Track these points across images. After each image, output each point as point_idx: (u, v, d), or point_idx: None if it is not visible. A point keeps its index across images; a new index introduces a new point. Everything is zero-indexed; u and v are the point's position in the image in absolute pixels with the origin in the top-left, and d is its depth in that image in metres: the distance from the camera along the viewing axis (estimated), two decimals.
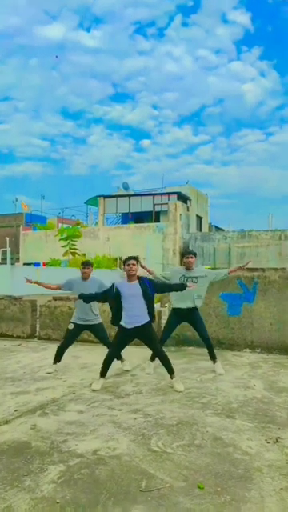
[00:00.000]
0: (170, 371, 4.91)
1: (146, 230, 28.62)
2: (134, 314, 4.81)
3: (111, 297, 4.88)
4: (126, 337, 4.98)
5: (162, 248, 28.05)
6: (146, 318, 4.85)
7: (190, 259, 5.71)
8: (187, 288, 5.19)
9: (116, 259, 27.11)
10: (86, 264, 5.85)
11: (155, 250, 27.41)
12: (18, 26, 77.40)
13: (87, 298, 5.14)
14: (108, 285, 5.29)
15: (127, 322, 4.81)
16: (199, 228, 33.40)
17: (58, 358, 5.73)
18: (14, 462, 3.00)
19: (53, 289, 5.88)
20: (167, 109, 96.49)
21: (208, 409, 4.17)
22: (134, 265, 4.85)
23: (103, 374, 4.96)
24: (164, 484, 2.71)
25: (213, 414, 4.01)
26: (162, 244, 28.08)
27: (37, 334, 8.99)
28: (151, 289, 4.90)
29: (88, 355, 6.12)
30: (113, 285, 4.94)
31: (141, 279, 4.92)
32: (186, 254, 5.85)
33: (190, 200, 31.52)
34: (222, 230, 35.91)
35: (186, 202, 30.74)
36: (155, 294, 5.21)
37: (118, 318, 4.86)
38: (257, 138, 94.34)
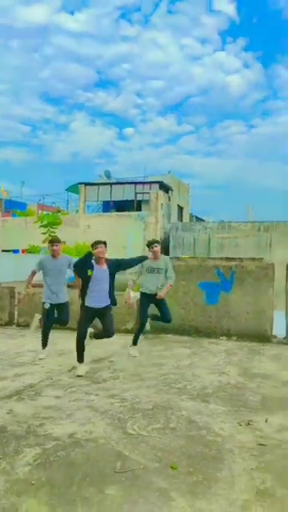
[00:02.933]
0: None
1: (127, 218, 28.51)
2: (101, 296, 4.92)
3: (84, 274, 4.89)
4: (91, 315, 5.00)
5: (143, 237, 28.01)
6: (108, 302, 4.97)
7: (155, 249, 5.97)
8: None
9: None
10: (55, 241, 5.79)
11: (136, 239, 27.37)
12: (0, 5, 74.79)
13: (75, 267, 5.06)
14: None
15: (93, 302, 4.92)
16: (180, 218, 33.51)
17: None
18: None
19: (33, 278, 5.99)
20: (151, 97, 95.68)
21: (183, 394, 4.26)
22: (101, 247, 4.88)
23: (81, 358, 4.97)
24: (138, 465, 2.77)
25: (188, 399, 4.10)
26: (143, 233, 28.04)
27: (15, 321, 8.92)
28: (115, 267, 5.02)
29: (65, 342, 6.12)
30: (89, 263, 4.88)
31: (108, 261, 4.99)
32: (151, 243, 6.08)
33: (172, 190, 31.51)
34: (203, 220, 36.15)
35: (167, 192, 30.72)
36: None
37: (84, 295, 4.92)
38: (239, 130, 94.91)
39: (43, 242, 25.62)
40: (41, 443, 3.06)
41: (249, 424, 3.49)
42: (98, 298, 4.90)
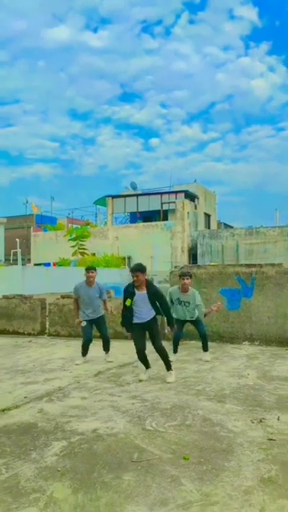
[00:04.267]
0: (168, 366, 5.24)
1: (154, 228, 28.91)
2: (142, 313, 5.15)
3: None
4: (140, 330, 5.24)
5: (171, 246, 28.30)
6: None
7: (185, 281, 5.96)
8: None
9: (124, 258, 27.49)
10: (91, 269, 6.20)
11: (163, 249, 27.69)
12: (26, 29, 78.31)
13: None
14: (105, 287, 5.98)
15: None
16: (207, 225, 33.56)
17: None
18: (22, 439, 3.38)
19: (77, 306, 6.37)
20: (176, 107, 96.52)
21: (201, 395, 4.49)
22: (137, 276, 5.07)
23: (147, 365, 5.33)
24: (153, 456, 3.04)
25: (205, 399, 4.33)
26: (170, 242, 28.33)
27: (46, 330, 9.40)
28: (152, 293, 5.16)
29: (92, 349, 6.46)
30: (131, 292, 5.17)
31: (148, 285, 5.18)
32: (182, 275, 6.05)
33: (198, 198, 31.69)
34: (231, 227, 35.99)
35: (193, 200, 30.93)
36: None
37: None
38: (267, 134, 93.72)
39: (73, 254, 26.52)
40: (67, 437, 3.39)
41: (261, 421, 3.68)
42: (139, 314, 5.14)
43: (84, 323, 6.24)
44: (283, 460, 2.97)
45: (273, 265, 7.44)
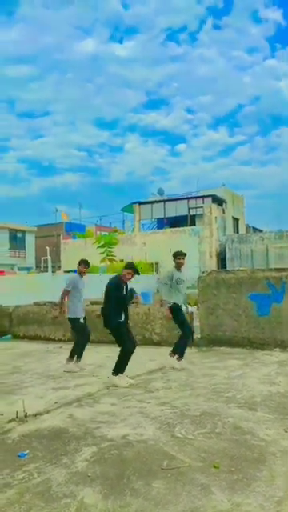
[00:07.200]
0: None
1: (181, 234, 28.79)
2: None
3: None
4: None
5: (199, 251, 28.07)
6: None
7: (181, 260, 6.18)
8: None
9: (152, 264, 27.51)
10: (87, 263, 6.76)
11: (191, 254, 27.40)
12: (55, 43, 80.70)
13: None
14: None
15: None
16: (236, 230, 33.10)
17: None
18: (53, 444, 3.43)
19: (65, 297, 6.64)
20: (202, 112, 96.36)
21: (232, 402, 4.42)
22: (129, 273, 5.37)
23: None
24: (183, 464, 3.02)
25: (236, 407, 4.25)
26: (198, 247, 28.10)
27: None
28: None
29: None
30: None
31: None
32: (177, 255, 6.24)
33: (226, 202, 31.35)
34: (261, 230, 35.33)
35: (221, 205, 30.62)
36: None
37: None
38: None
39: (101, 261, 26.84)
40: (97, 443, 3.42)
41: None
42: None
43: (82, 320, 6.57)
44: None
45: None
